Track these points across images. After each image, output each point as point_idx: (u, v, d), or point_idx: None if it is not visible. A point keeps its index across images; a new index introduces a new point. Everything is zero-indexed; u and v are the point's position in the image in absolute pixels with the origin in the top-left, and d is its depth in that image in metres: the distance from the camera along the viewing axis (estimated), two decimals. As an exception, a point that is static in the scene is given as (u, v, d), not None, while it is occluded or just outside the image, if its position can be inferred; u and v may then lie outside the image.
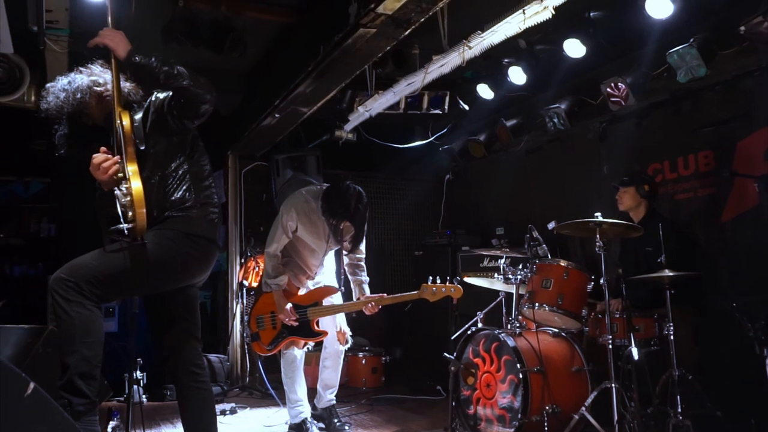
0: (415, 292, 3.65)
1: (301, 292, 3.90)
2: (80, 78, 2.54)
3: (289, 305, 3.74)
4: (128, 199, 2.27)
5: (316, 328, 3.80)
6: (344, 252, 3.97)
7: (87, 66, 2.61)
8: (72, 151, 2.61)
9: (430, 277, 3.63)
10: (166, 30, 4.20)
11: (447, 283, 3.61)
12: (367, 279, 4.02)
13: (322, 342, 4.02)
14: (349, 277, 4.07)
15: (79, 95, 2.49)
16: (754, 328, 3.16)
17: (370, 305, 3.74)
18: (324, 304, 3.82)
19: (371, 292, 3.95)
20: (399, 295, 3.72)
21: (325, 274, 4.12)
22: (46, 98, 2.52)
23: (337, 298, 3.98)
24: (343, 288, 4.10)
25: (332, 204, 3.70)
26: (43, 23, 3.83)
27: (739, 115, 4.06)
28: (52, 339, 2.33)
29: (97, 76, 2.56)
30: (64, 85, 2.51)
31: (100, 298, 2.32)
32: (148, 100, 2.57)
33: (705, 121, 4.29)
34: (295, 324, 3.75)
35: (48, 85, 2.56)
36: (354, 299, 3.97)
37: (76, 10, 3.88)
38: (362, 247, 4.02)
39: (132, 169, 2.29)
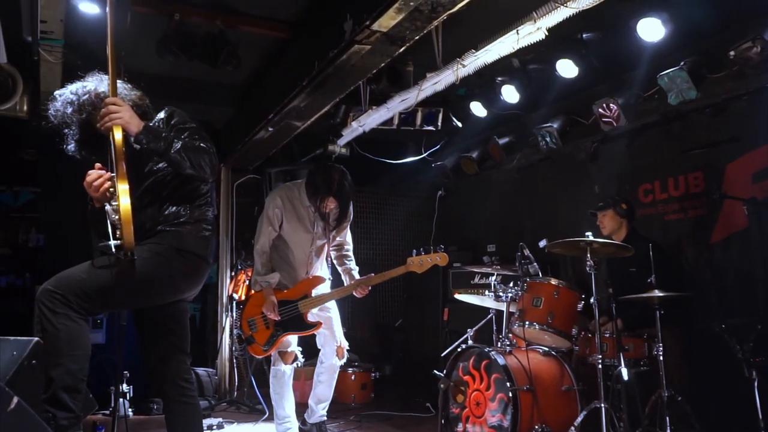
0: (402, 266, 3.66)
1: None
2: (86, 92, 2.48)
3: (273, 300, 3.71)
4: (117, 216, 2.25)
5: (308, 320, 3.77)
6: (330, 241, 3.94)
7: (95, 75, 2.55)
8: (86, 156, 2.57)
9: (414, 250, 3.63)
10: (161, 43, 4.22)
11: (432, 252, 3.60)
12: (356, 267, 4.01)
13: (311, 357, 3.99)
14: (338, 268, 4.07)
15: (84, 115, 2.46)
16: (742, 350, 3.17)
17: (360, 287, 3.76)
18: (313, 294, 3.81)
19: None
20: (387, 272, 3.74)
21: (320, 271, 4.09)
22: (53, 104, 2.49)
23: (325, 288, 3.95)
24: (331, 277, 4.08)
25: (316, 182, 3.71)
26: (37, 34, 3.83)
27: (729, 137, 4.10)
28: (38, 351, 2.30)
29: (105, 89, 2.48)
30: (71, 97, 2.47)
31: (87, 311, 2.29)
32: (156, 117, 2.55)
33: (695, 142, 4.33)
34: (276, 318, 3.72)
35: (56, 92, 2.52)
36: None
37: (71, 22, 3.88)
38: (348, 238, 4.06)
39: (122, 186, 2.27)
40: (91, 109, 2.46)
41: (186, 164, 2.37)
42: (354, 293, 3.82)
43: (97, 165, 2.41)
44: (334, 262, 4.07)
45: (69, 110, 2.46)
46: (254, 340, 3.84)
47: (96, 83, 2.53)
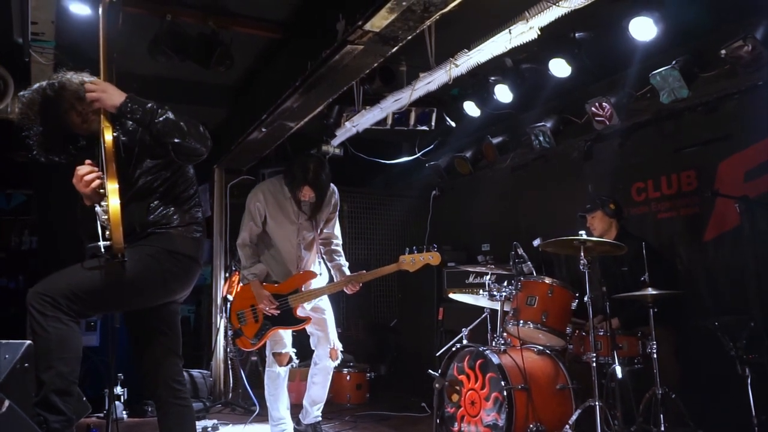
0: (394, 264, 3.67)
1: None
2: (51, 89, 2.43)
3: (266, 293, 3.72)
4: (107, 217, 2.23)
5: (298, 315, 3.77)
6: (318, 237, 3.95)
7: (60, 71, 2.51)
8: (51, 159, 2.54)
9: (407, 248, 3.63)
10: (154, 44, 4.20)
11: (424, 251, 3.60)
12: (346, 263, 4.02)
13: (306, 358, 3.98)
14: (328, 264, 4.07)
15: (49, 113, 2.41)
16: (735, 347, 3.19)
17: (350, 284, 3.77)
18: (303, 289, 3.81)
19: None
20: (378, 269, 3.75)
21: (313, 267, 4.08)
22: (18, 106, 2.45)
23: (316, 283, 3.94)
24: (322, 273, 4.07)
25: (293, 171, 3.73)
26: (28, 35, 3.82)
27: (721, 136, 4.12)
28: (30, 354, 2.29)
29: (74, 85, 2.45)
30: (35, 97, 2.42)
31: (78, 313, 2.28)
32: None
33: (687, 141, 4.35)
34: (276, 313, 3.72)
35: (19, 93, 2.49)
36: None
37: (62, 23, 3.87)
38: (337, 231, 4.06)
39: (111, 186, 2.24)
40: (54, 107, 2.41)
41: (173, 135, 2.33)
42: (345, 290, 3.82)
43: (88, 161, 2.38)
44: (324, 257, 4.07)
45: (31, 111, 2.41)
46: (243, 333, 3.84)
47: (62, 80, 2.47)
